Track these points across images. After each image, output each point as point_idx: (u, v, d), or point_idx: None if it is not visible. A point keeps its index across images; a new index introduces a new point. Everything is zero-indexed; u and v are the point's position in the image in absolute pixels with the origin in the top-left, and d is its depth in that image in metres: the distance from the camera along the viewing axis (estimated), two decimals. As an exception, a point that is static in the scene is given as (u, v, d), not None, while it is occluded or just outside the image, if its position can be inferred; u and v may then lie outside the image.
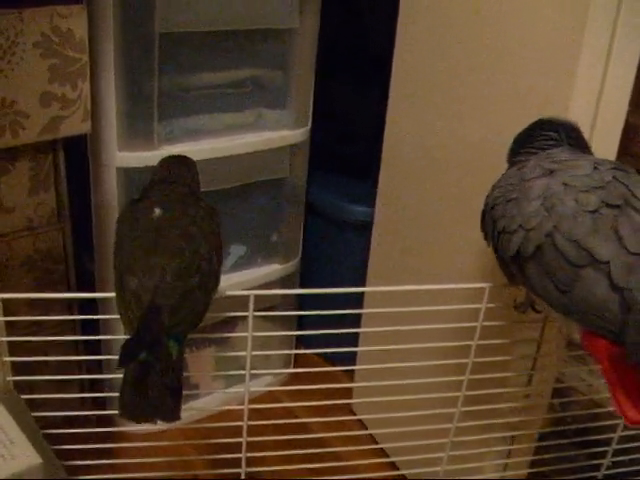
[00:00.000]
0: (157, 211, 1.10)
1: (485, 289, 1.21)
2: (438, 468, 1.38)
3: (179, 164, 1.26)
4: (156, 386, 1.00)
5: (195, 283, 1.05)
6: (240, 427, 1.23)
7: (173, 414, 1.02)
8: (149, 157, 1.70)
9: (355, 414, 2.01)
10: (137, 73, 1.63)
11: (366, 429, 1.97)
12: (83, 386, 1.93)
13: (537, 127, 1.20)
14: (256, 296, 1.91)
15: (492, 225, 1.12)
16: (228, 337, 2.03)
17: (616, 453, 1.52)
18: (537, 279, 1.02)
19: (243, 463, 1.22)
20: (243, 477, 1.25)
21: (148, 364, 1.00)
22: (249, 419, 1.25)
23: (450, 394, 1.30)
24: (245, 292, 1.13)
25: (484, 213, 1.16)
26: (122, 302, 1.04)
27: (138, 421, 1.01)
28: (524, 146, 1.19)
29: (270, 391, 2.22)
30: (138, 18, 1.58)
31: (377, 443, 1.90)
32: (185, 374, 2.03)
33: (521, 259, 1.04)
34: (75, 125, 1.61)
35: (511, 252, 1.05)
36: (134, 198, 1.18)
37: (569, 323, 1.02)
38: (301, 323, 2.24)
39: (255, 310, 1.18)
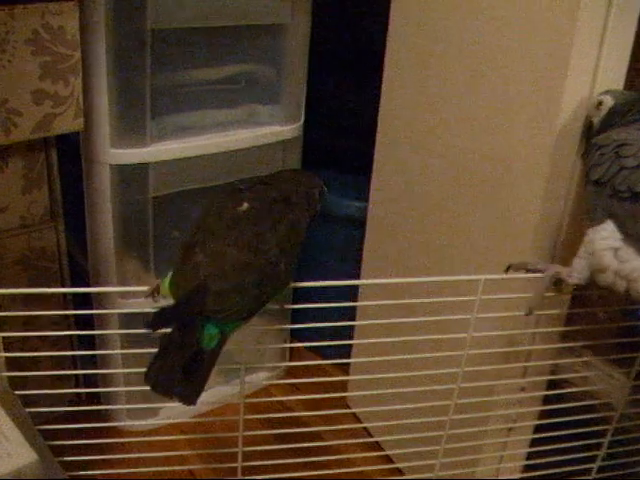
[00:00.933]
0: (245, 205, 1.14)
1: (480, 281, 1.21)
2: (434, 461, 1.38)
3: (291, 174, 1.30)
4: (178, 365, 1.02)
5: (252, 281, 1.07)
6: (235, 422, 1.23)
7: (189, 398, 1.04)
8: (142, 154, 1.70)
9: (350, 408, 2.01)
10: (129, 70, 1.63)
11: (361, 422, 1.97)
12: (78, 382, 1.94)
13: None
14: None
15: (615, 159, 1.15)
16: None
17: (612, 445, 1.53)
18: None
19: (239, 457, 1.23)
20: (240, 471, 1.25)
21: (176, 340, 1.02)
22: (237, 413, 1.25)
23: (445, 386, 1.30)
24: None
25: (600, 146, 1.18)
26: (181, 272, 1.08)
27: (156, 392, 1.03)
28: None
29: (265, 386, 2.23)
30: (130, 14, 1.58)
31: (372, 436, 1.91)
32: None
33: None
34: (67, 122, 1.61)
35: (638, 189, 1.10)
36: (239, 187, 1.21)
37: None
38: (296, 318, 2.25)
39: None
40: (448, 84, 1.57)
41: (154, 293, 1.19)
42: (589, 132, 1.28)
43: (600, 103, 1.25)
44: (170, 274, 1.13)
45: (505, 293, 1.27)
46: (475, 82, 1.49)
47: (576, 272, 1.20)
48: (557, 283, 1.27)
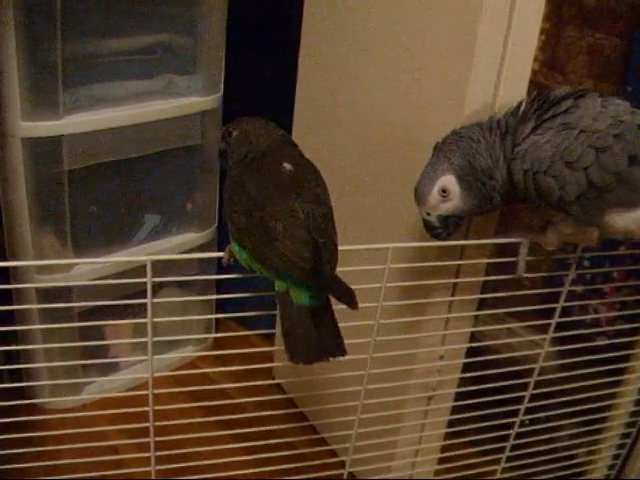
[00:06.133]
0: (287, 166, 1.17)
1: (389, 249, 1.21)
2: (351, 431, 1.39)
3: (277, 128, 1.28)
4: (328, 324, 1.12)
5: (332, 228, 1.15)
6: (157, 396, 1.22)
7: (342, 350, 1.12)
8: (55, 126, 1.67)
9: (275, 379, 2.02)
10: (39, 39, 1.59)
11: (286, 393, 1.98)
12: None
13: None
14: (174, 264, 1.90)
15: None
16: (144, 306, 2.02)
17: (529, 411, 1.55)
18: None
19: (151, 432, 1.22)
20: (152, 446, 1.24)
21: (319, 305, 1.11)
22: (164, 387, 1.25)
23: (358, 356, 1.31)
24: (142, 257, 1.11)
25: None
26: (270, 248, 1.10)
27: (312, 362, 1.10)
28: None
29: (193, 359, 2.22)
30: (38, -19, 1.53)
31: (297, 407, 1.91)
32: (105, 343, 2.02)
33: None
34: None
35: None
36: (242, 160, 1.21)
37: None
38: (221, 289, 2.24)
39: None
40: (365, 59, 1.56)
41: (229, 259, 1.21)
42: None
43: (444, 190, 1.23)
44: (236, 246, 1.17)
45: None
46: (391, 58, 1.49)
47: (549, 242, 1.32)
48: None
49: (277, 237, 1.09)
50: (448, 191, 1.22)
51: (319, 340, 1.10)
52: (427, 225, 1.27)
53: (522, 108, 1.23)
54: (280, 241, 1.08)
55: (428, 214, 1.25)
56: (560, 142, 1.16)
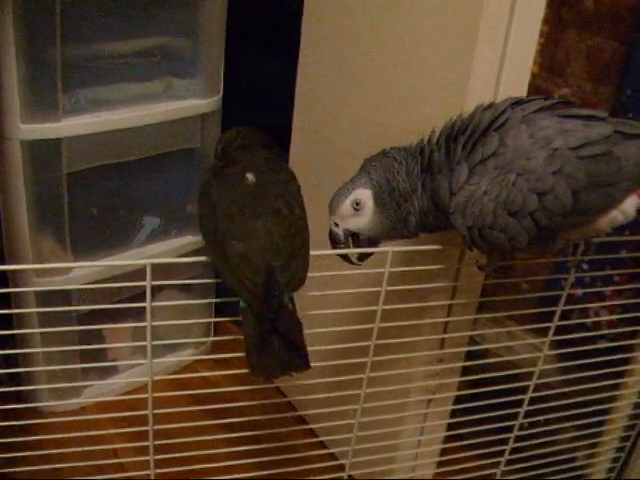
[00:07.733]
0: (250, 177, 1.15)
1: (388, 253, 1.21)
2: (351, 435, 1.39)
3: (252, 131, 1.29)
4: (283, 343, 1.08)
5: (298, 243, 1.12)
6: (156, 399, 1.22)
7: (304, 364, 1.11)
8: (54, 129, 1.66)
9: (274, 382, 2.02)
10: (39, 41, 1.58)
11: (285, 397, 1.98)
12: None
13: None
14: (173, 266, 1.90)
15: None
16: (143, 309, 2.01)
17: (528, 414, 1.55)
18: None
19: (150, 435, 1.22)
20: (151, 449, 1.24)
21: (273, 324, 1.07)
22: (163, 391, 1.24)
23: (358, 360, 1.31)
24: (142, 261, 1.10)
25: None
26: (227, 266, 1.09)
27: (271, 378, 1.10)
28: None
29: (191, 362, 2.22)
30: (38, -17, 1.53)
31: (296, 410, 1.91)
32: (104, 347, 2.02)
33: None
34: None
35: None
36: (216, 165, 1.21)
37: None
38: (219, 292, 2.23)
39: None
40: (364, 67, 1.57)
41: None
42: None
43: (357, 203, 1.21)
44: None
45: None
46: (391, 63, 1.49)
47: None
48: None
49: (234, 258, 1.08)
50: (361, 204, 1.21)
51: (280, 356, 1.09)
52: (331, 236, 1.25)
53: (441, 139, 1.19)
54: (236, 262, 1.08)
55: (336, 225, 1.23)
56: (499, 192, 1.11)
